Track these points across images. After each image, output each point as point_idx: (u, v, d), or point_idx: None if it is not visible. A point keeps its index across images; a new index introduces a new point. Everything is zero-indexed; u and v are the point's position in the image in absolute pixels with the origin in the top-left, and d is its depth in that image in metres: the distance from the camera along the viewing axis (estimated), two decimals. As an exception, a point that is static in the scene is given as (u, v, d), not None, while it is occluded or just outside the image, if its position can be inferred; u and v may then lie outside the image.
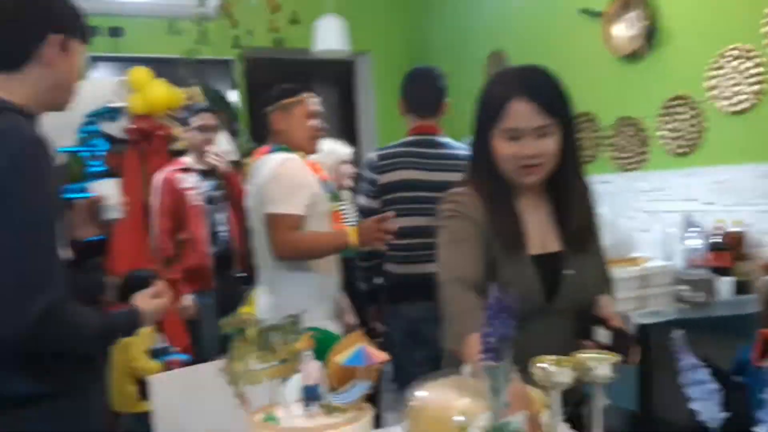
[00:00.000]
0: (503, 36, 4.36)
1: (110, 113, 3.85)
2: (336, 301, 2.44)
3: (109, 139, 3.89)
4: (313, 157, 3.47)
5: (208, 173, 3.46)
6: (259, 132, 4.68)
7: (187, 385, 1.53)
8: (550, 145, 1.38)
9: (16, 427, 1.26)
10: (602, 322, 1.36)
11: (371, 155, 2.74)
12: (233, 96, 4.61)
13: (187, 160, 3.46)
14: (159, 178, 3.39)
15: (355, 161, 3.73)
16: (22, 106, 1.35)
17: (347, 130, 6.23)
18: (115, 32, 4.35)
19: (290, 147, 2.33)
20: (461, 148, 2.62)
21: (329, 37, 4.00)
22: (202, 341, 3.37)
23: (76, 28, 1.41)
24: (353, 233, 2.25)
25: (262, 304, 2.35)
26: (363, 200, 2.73)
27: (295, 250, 2.24)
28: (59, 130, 3.72)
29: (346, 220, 3.44)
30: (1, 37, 1.34)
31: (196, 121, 3.42)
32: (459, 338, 1.26)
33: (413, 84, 2.73)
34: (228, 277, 3.46)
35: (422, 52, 5.16)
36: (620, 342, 1.34)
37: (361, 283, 2.87)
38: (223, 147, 3.87)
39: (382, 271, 2.73)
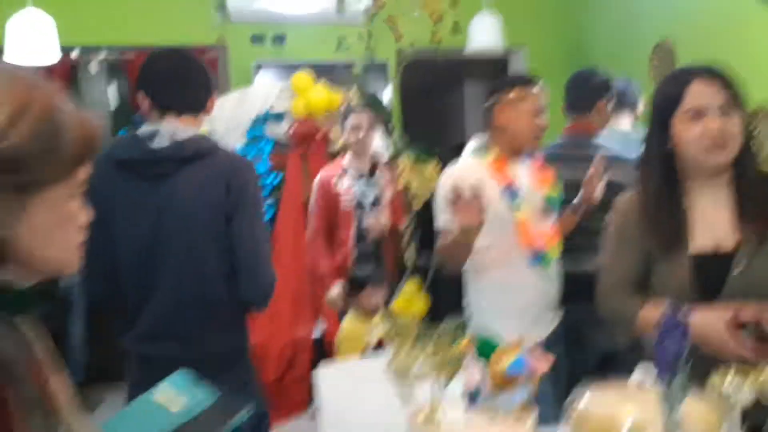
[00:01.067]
0: (670, 26, 4.09)
1: (275, 117, 4.09)
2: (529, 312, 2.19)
3: (274, 141, 4.13)
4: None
5: (363, 174, 3.53)
6: (411, 132, 4.80)
7: (353, 378, 1.60)
8: (735, 123, 1.36)
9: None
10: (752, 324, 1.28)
11: None
12: (387, 96, 4.72)
13: (344, 161, 3.55)
14: (317, 179, 3.52)
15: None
16: None
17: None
18: (279, 39, 4.61)
19: (510, 145, 2.16)
20: (618, 149, 2.56)
21: (484, 35, 3.97)
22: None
23: None
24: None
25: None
26: None
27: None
28: (230, 133, 4.03)
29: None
30: (197, 89, 1.89)
31: (349, 121, 3.50)
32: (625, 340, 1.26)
33: (570, 83, 2.73)
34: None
35: (581, 45, 4.98)
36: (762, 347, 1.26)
37: None
38: (377, 147, 3.98)
39: None
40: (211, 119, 4.03)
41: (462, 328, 1.33)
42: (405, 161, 4.08)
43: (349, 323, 3.04)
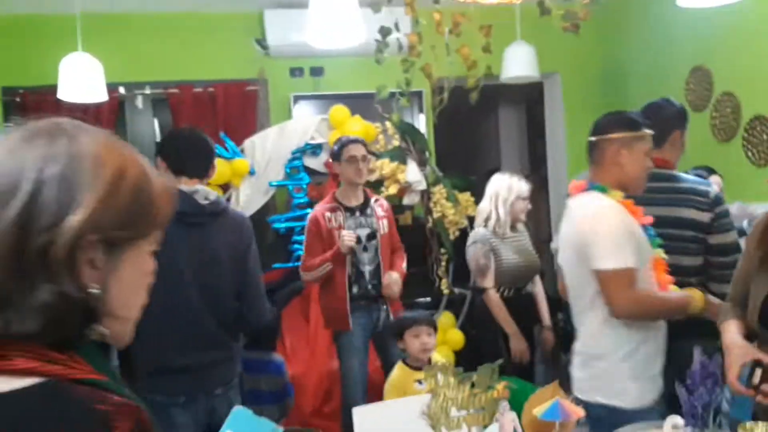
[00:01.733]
0: (706, 49, 4.07)
1: (312, 149, 4.18)
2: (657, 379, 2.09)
3: (311, 172, 4.22)
4: (490, 192, 3.51)
5: (358, 208, 3.35)
6: (445, 161, 4.84)
7: (390, 418, 1.64)
8: None
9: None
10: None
11: None
12: (422, 125, 4.78)
13: (337, 194, 3.38)
14: (310, 215, 3.39)
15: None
16: None
17: (534, 154, 6.17)
18: (317, 72, 4.71)
19: (618, 184, 2.11)
20: (696, 182, 2.46)
21: (518, 63, 4.00)
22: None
23: None
24: (699, 298, 2.05)
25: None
26: None
27: (636, 309, 2.01)
28: (270, 165, 4.13)
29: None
30: (204, 160, 2.42)
31: (346, 152, 3.27)
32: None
33: (642, 114, 2.64)
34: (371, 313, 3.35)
35: (616, 70, 4.98)
36: None
37: None
38: (411, 177, 4.03)
39: None
40: (252, 152, 4.15)
41: (497, 372, 1.35)
42: (440, 190, 4.12)
43: (397, 373, 2.93)
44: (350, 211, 3.34)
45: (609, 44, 5.04)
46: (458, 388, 1.29)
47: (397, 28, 2.93)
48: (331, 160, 3.44)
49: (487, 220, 3.49)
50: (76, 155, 0.77)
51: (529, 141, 6.40)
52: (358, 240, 3.27)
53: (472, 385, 1.28)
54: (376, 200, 3.48)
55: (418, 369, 2.76)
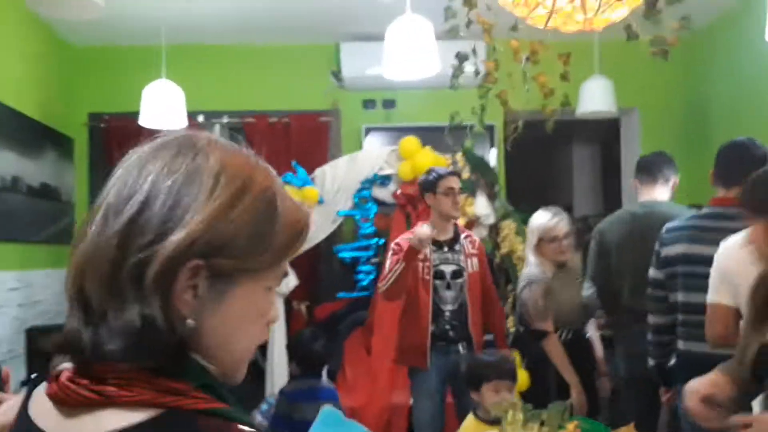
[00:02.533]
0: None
1: (381, 179, 4.19)
2: None
3: (379, 202, 4.23)
4: (533, 228, 3.28)
5: (446, 243, 3.17)
6: (516, 195, 4.75)
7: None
8: None
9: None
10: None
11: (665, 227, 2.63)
12: (493, 159, 4.73)
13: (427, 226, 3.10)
14: (393, 243, 3.16)
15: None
16: None
17: (609, 191, 6.00)
18: (389, 104, 4.75)
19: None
20: None
21: (595, 98, 3.92)
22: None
23: None
24: None
25: None
26: (651, 271, 2.66)
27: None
28: (339, 194, 4.15)
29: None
30: None
31: (443, 184, 3.13)
32: None
33: (724, 154, 2.57)
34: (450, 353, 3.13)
35: (699, 106, 4.79)
36: None
37: (651, 359, 2.71)
38: (481, 210, 3.97)
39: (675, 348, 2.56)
40: (323, 181, 4.20)
41: (569, 411, 1.28)
42: (509, 225, 4.04)
43: (467, 425, 2.69)
44: (438, 245, 3.14)
45: (692, 78, 4.86)
46: (526, 427, 1.22)
47: (474, 54, 2.90)
48: (421, 191, 3.23)
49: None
50: (196, 170, 0.69)
51: (603, 178, 6.24)
52: (440, 275, 3.10)
53: (542, 424, 1.21)
54: (467, 236, 3.27)
55: (491, 423, 2.36)
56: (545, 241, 3.17)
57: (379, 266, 4.10)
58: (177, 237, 0.65)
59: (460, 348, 3.13)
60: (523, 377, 4.02)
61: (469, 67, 3.06)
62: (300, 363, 3.23)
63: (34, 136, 4.03)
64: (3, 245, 3.60)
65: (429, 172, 3.24)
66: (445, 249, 3.16)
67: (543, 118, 3.10)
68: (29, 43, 4.02)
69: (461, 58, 2.93)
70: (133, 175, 0.69)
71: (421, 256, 3.06)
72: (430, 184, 3.16)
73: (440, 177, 3.14)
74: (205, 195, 0.67)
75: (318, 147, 4.68)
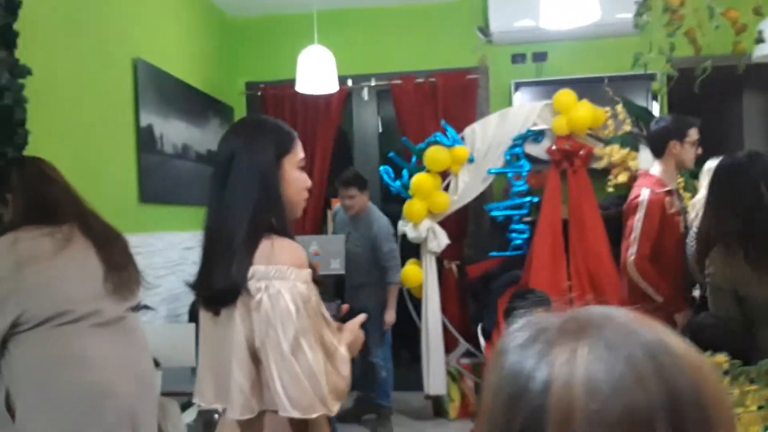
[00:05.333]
0: None
1: (534, 135, 4.05)
2: None
3: (532, 159, 4.09)
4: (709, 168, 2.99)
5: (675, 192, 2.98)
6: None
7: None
8: None
9: None
10: None
11: None
12: (655, 111, 4.42)
13: (665, 178, 2.92)
14: (644, 198, 2.85)
15: None
16: None
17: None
18: (540, 57, 4.57)
19: None
20: None
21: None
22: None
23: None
24: None
25: None
26: None
27: None
28: (490, 152, 4.07)
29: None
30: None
31: (691, 135, 2.92)
32: None
33: None
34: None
35: None
36: None
37: None
38: (645, 165, 3.73)
39: None
40: (473, 140, 4.13)
41: (778, 370, 1.17)
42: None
43: None
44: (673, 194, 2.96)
45: None
46: (732, 385, 1.13)
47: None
48: (666, 137, 2.94)
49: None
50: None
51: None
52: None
53: (751, 381, 1.11)
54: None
55: None
56: None
57: (533, 225, 4.00)
58: None
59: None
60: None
61: (624, 14, 2.84)
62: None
63: (200, 106, 4.29)
64: (178, 208, 3.89)
65: (678, 119, 2.99)
66: (675, 197, 2.95)
67: (735, 53, 2.79)
68: (192, 17, 4.26)
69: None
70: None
71: (674, 210, 2.85)
72: (677, 132, 2.92)
73: (690, 126, 2.93)
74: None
75: (466, 105, 4.60)
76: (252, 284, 1.29)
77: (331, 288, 4.03)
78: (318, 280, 1.38)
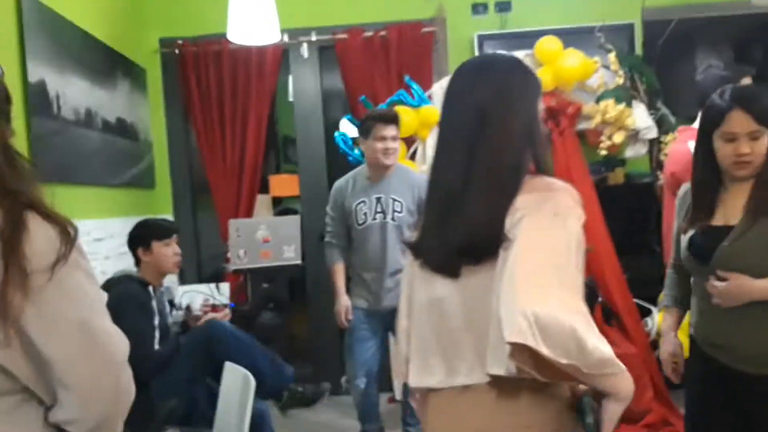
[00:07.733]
0: None
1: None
2: None
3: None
4: None
5: None
6: (675, 104, 4.01)
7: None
8: (761, 147, 1.70)
9: None
10: None
11: None
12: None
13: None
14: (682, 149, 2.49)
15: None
16: None
17: None
18: (504, 7, 4.05)
19: None
20: None
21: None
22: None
23: None
24: None
25: None
26: None
27: None
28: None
29: None
30: None
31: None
32: None
33: None
34: None
35: None
36: None
37: None
38: (640, 123, 3.27)
39: None
40: (435, 101, 3.57)
41: None
42: (672, 137, 3.35)
43: None
44: None
45: None
46: None
47: None
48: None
49: None
50: None
51: None
52: None
53: None
54: None
55: None
56: None
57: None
58: None
59: None
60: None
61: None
62: None
63: (107, 64, 3.49)
64: (81, 189, 3.11)
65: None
66: None
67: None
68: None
69: None
70: None
71: None
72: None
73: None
74: None
75: (422, 62, 4.02)
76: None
77: (284, 286, 3.35)
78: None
